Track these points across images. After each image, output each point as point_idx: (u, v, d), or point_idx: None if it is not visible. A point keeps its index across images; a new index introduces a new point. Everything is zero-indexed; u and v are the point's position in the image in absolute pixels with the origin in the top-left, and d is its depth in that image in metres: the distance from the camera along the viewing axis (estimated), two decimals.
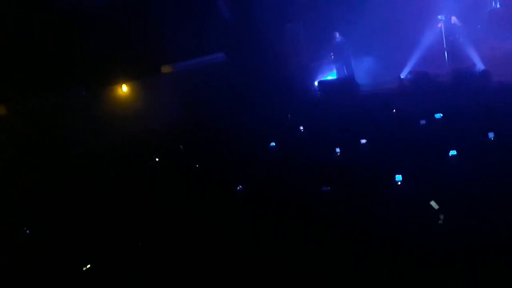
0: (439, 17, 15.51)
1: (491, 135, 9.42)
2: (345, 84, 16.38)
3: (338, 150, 10.32)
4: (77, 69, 13.74)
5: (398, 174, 8.20)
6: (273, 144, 11.82)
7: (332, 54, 17.11)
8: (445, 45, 15.48)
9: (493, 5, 16.79)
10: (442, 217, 6.94)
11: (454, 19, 15.72)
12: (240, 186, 9.43)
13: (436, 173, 8.44)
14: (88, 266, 7.67)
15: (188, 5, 16.34)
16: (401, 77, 15.65)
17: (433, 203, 7.20)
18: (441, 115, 11.30)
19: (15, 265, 8.05)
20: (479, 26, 15.88)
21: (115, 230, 8.81)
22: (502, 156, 8.60)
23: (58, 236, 8.93)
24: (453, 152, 8.93)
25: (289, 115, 14.18)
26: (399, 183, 8.11)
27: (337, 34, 16.78)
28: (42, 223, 9.60)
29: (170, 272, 7.19)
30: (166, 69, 16.10)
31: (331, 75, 17.76)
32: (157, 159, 12.69)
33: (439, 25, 15.66)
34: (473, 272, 5.71)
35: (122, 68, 14.63)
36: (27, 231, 9.38)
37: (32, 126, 13.12)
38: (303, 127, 12.91)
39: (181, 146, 13.35)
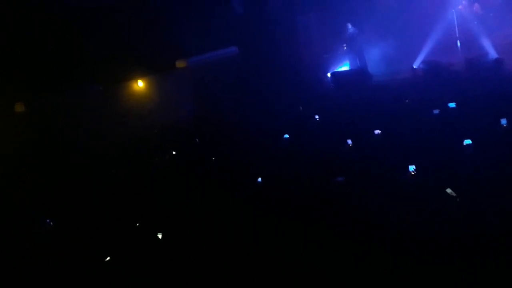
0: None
1: (503, 121, 9.43)
2: (358, 75, 16.41)
3: (349, 141, 10.35)
4: (94, 66, 13.97)
5: (412, 164, 8.24)
6: (286, 136, 11.93)
7: (344, 45, 17.14)
8: (457, 33, 15.45)
9: None
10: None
11: (476, 6, 15.64)
12: (260, 179, 9.53)
13: (450, 162, 8.49)
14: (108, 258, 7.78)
15: (201, 0, 16.46)
16: (414, 67, 15.64)
17: (449, 190, 7.26)
18: (455, 104, 11.30)
19: (18, 265, 8.13)
20: (491, 14, 15.79)
21: (131, 225, 8.92)
22: None
23: (73, 234, 9.01)
24: (467, 141, 8.94)
25: (300, 108, 14.24)
26: (413, 173, 8.17)
27: (350, 25, 16.81)
28: (59, 218, 9.75)
29: (176, 271, 7.25)
30: (180, 64, 16.26)
31: (344, 66, 17.80)
32: (173, 152, 12.86)
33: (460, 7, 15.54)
34: (487, 266, 5.66)
35: (138, 63, 14.82)
36: (40, 228, 9.47)
37: (50, 124, 13.38)
38: (317, 117, 13.02)
39: (197, 140, 13.52)
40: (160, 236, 8.10)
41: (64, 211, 10.06)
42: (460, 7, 15.99)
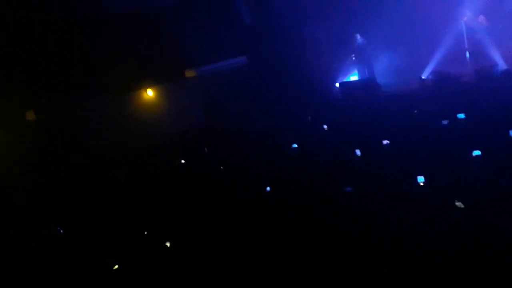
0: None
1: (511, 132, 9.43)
2: (367, 86, 16.42)
3: (358, 152, 10.37)
4: (104, 75, 14.10)
5: (420, 175, 8.25)
6: (295, 145, 11.96)
7: (353, 55, 17.19)
8: (466, 44, 15.46)
9: None
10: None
11: (482, 18, 15.66)
12: (268, 188, 9.57)
13: (459, 173, 8.49)
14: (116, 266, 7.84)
15: (210, 10, 16.59)
16: (423, 77, 15.65)
17: (458, 203, 7.27)
18: (464, 115, 11.29)
19: (23, 265, 8.24)
20: (501, 26, 15.78)
21: (137, 231, 9.03)
22: None
23: (79, 236, 9.21)
24: (477, 152, 8.92)
25: (309, 117, 14.27)
26: (422, 184, 8.18)
27: (358, 36, 16.86)
28: (65, 222, 9.89)
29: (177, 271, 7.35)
30: (190, 73, 16.38)
31: (352, 77, 17.82)
32: (182, 161, 12.94)
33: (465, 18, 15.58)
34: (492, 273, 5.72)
35: (148, 73, 14.94)
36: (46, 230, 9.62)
37: (60, 131, 13.52)
38: (326, 127, 13.05)
39: (205, 148, 13.59)
40: (168, 244, 8.16)
41: (72, 214, 10.22)
42: (465, 18, 16.01)
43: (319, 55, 17.91)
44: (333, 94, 17.39)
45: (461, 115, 11.23)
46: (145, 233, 8.87)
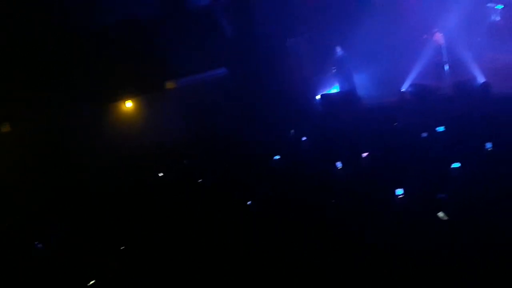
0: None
1: (488, 145, 9.47)
2: (347, 98, 16.50)
3: (339, 164, 10.34)
4: (83, 86, 13.95)
5: (400, 188, 8.23)
6: (277, 157, 11.90)
7: (333, 68, 17.26)
8: (445, 57, 15.61)
9: (493, 17, 16.91)
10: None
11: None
12: (250, 202, 9.49)
13: (438, 185, 8.50)
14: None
15: (191, 22, 16.54)
16: (402, 90, 15.75)
17: (441, 214, 7.26)
18: (443, 128, 11.33)
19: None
20: (479, 38, 15.99)
21: (116, 243, 8.95)
22: (503, 166, 8.63)
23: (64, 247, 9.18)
24: (456, 165, 8.93)
25: (292, 131, 14.24)
26: (400, 196, 8.16)
27: (339, 49, 16.94)
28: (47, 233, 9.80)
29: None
30: (170, 84, 16.28)
31: (333, 89, 17.88)
32: (160, 174, 12.79)
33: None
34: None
35: (127, 84, 14.83)
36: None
37: (40, 141, 13.35)
38: (305, 139, 13.03)
39: (185, 161, 13.46)
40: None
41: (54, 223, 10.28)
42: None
43: (300, 67, 17.96)
44: (314, 106, 17.42)
45: (440, 128, 11.24)
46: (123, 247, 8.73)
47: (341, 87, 17.47)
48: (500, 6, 16.32)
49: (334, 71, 17.39)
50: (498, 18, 16.72)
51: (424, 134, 11.15)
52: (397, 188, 8.25)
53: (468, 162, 8.97)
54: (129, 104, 15.44)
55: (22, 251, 9.39)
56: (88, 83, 14.03)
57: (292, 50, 18.06)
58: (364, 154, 10.47)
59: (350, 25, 16.94)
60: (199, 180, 11.64)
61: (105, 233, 9.44)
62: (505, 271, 5.82)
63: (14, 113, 13.44)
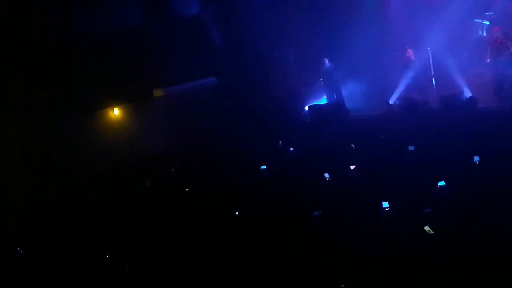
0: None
1: (476, 158, 9.51)
2: (335, 109, 16.57)
3: (327, 175, 10.34)
4: (68, 93, 13.85)
5: (385, 200, 8.24)
6: (264, 167, 11.88)
7: (321, 79, 17.33)
8: (432, 71, 15.76)
9: (480, 33, 17.12)
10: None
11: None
12: (237, 213, 9.44)
13: (424, 199, 8.52)
14: None
15: (180, 31, 16.54)
16: (390, 102, 15.84)
17: (427, 228, 7.27)
18: (430, 141, 11.35)
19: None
20: (466, 53, 16.17)
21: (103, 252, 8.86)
22: (489, 181, 8.67)
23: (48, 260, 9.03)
24: (441, 183, 8.80)
25: (280, 142, 14.23)
26: (386, 209, 8.16)
27: (326, 61, 17.03)
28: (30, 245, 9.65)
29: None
30: (158, 93, 16.23)
31: (321, 101, 17.95)
32: (148, 183, 12.70)
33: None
34: None
35: (115, 92, 14.74)
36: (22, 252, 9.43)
37: (23, 150, 13.18)
38: (292, 149, 13.02)
39: (172, 170, 13.39)
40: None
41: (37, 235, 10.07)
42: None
43: (288, 79, 18.03)
44: (302, 117, 17.47)
45: (411, 147, 11.08)
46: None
47: (328, 99, 17.55)
48: (486, 22, 16.53)
49: (322, 82, 17.46)
50: (484, 34, 16.93)
51: (411, 147, 11.18)
52: (383, 200, 8.25)
53: (454, 175, 9.02)
54: (116, 112, 15.34)
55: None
56: (76, 90, 13.91)
57: (281, 61, 18.13)
58: (352, 167, 10.47)
59: (338, 37, 17.08)
60: (186, 189, 11.56)
61: (91, 242, 9.29)
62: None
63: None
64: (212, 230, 8.94)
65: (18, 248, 9.45)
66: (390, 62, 16.80)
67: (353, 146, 12.12)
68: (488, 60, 14.41)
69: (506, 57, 13.99)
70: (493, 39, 14.36)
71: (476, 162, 9.46)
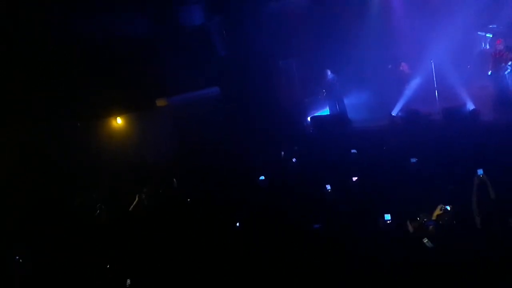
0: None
1: (480, 172, 9.42)
2: (337, 121, 16.59)
3: (328, 187, 10.31)
4: (72, 102, 13.88)
5: (387, 213, 8.21)
6: (262, 177, 11.85)
7: (324, 91, 17.36)
8: (435, 83, 15.78)
9: (483, 46, 17.14)
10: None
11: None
12: (238, 224, 9.41)
13: (427, 211, 8.48)
14: None
15: (184, 40, 16.61)
16: (393, 114, 15.84)
17: (425, 240, 7.24)
18: (433, 154, 11.32)
19: None
20: (469, 66, 16.18)
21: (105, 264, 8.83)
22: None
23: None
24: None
25: (282, 153, 14.22)
26: (388, 222, 8.13)
27: (329, 72, 17.08)
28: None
29: None
30: (161, 102, 16.26)
31: (324, 111, 17.97)
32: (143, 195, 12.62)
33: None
34: None
35: (118, 101, 14.77)
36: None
37: (26, 157, 13.20)
38: (295, 160, 13.01)
39: (174, 180, 13.36)
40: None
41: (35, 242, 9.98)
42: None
43: (291, 89, 18.06)
44: (305, 128, 17.48)
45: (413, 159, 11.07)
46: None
47: (331, 110, 17.57)
48: (490, 35, 16.56)
49: (324, 93, 17.49)
50: (487, 47, 16.94)
51: (414, 159, 11.15)
52: (385, 213, 8.22)
53: (458, 188, 8.98)
54: (119, 121, 15.37)
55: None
56: (79, 98, 13.95)
57: (284, 71, 18.17)
58: (354, 178, 10.45)
59: (341, 48, 17.11)
60: (188, 200, 11.55)
61: (86, 250, 9.26)
62: None
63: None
64: (212, 240, 8.92)
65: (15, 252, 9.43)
66: (392, 74, 16.86)
67: (355, 151, 12.12)
68: (490, 73, 14.43)
69: (506, 70, 14.04)
70: (495, 51, 14.39)
71: (480, 175, 9.37)
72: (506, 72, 14.12)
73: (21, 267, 9.20)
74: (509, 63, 13.99)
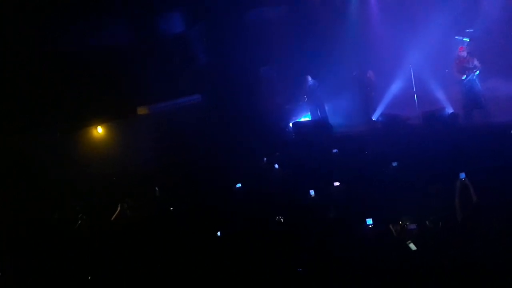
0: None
1: (462, 175, 9.51)
2: (319, 126, 16.67)
3: (312, 192, 10.33)
4: (51, 111, 13.74)
5: (369, 217, 8.24)
6: (239, 185, 11.81)
7: (305, 96, 17.44)
8: (414, 88, 15.94)
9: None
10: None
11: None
12: (219, 233, 9.36)
13: (408, 215, 8.53)
14: None
15: (164, 48, 16.57)
16: (373, 119, 15.97)
17: (411, 244, 7.28)
18: (413, 157, 11.40)
19: None
20: (447, 70, 16.39)
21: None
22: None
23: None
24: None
25: (265, 159, 14.24)
26: (370, 226, 8.16)
27: (309, 78, 17.17)
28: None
29: None
30: (142, 110, 16.17)
31: (305, 117, 18.04)
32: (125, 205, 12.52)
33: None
34: None
35: (98, 109, 14.66)
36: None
37: (3, 169, 13.04)
38: (277, 166, 13.02)
39: (156, 189, 13.27)
40: None
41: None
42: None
43: (272, 95, 18.11)
44: (287, 134, 17.52)
45: (409, 157, 11.27)
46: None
47: (313, 115, 17.65)
48: (467, 39, 16.79)
49: (305, 99, 17.56)
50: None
51: (394, 163, 11.24)
52: (367, 217, 8.25)
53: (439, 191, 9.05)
54: (100, 130, 15.25)
55: None
56: (58, 108, 13.82)
57: (265, 78, 18.23)
58: (336, 183, 10.48)
59: (321, 54, 17.22)
60: (171, 208, 11.47)
61: (69, 262, 9.15)
62: None
63: None
64: (195, 249, 8.86)
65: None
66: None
67: (336, 151, 12.09)
68: (464, 77, 14.63)
69: (469, 76, 14.26)
70: (459, 58, 14.66)
71: (463, 179, 9.45)
72: (474, 77, 14.38)
73: (2, 281, 9.07)
74: (474, 69, 14.27)
